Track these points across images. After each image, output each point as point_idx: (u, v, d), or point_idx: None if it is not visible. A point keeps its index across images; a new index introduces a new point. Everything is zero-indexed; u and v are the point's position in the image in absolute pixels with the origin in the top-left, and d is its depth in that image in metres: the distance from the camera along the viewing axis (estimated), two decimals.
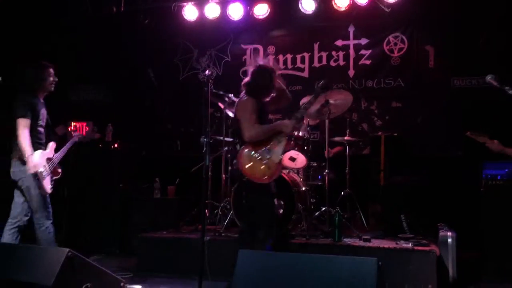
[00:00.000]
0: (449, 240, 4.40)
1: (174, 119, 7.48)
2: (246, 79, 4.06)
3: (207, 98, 3.93)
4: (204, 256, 3.54)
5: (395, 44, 6.67)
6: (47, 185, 4.28)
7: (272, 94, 4.05)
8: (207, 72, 4.12)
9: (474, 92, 6.19)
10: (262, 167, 3.78)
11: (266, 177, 3.79)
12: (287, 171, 5.26)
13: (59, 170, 4.50)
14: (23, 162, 4.18)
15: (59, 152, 4.53)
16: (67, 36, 7.30)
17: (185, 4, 6.92)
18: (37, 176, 4.17)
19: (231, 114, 5.69)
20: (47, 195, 4.29)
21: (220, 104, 5.56)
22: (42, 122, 4.38)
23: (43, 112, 4.41)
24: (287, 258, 2.51)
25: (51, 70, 4.47)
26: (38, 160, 4.22)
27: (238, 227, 4.89)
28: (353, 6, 6.42)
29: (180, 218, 5.79)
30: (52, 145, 4.48)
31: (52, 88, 4.49)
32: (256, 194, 3.88)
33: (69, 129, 6.73)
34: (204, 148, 3.48)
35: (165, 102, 7.52)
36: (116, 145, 6.46)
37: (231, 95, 5.40)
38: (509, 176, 5.06)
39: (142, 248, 5.15)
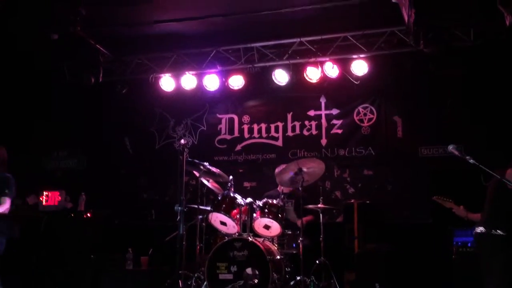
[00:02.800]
0: None
1: (149, 187, 7.46)
2: None
3: (182, 167, 4.00)
4: None
5: (365, 114, 6.95)
6: None
7: None
8: (182, 141, 4.21)
9: (440, 161, 6.42)
10: None
11: None
12: (262, 239, 5.25)
13: None
14: None
15: None
16: (45, 103, 7.41)
17: (162, 75, 7.16)
18: None
19: (206, 182, 5.75)
20: None
21: (195, 172, 5.61)
22: None
23: None
24: None
25: None
26: None
27: None
28: (324, 78, 6.73)
29: None
30: None
31: None
32: None
33: (41, 198, 6.63)
34: (178, 217, 3.49)
35: (140, 170, 7.53)
36: (89, 215, 6.37)
37: (206, 164, 5.48)
38: None
39: None
